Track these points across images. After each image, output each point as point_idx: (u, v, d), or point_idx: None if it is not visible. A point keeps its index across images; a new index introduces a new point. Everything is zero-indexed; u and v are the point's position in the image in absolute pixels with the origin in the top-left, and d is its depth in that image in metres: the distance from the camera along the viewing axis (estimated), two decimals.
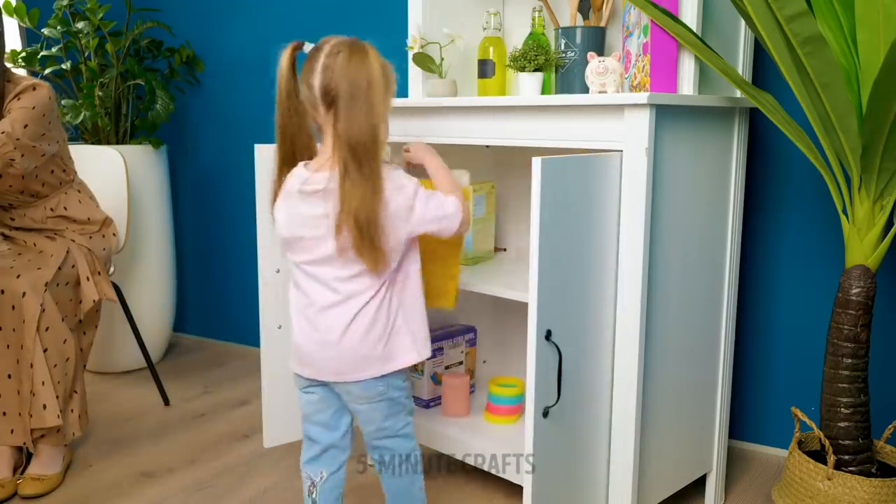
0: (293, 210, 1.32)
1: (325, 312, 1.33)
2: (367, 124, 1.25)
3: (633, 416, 1.47)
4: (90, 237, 2.08)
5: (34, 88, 1.89)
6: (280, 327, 1.76)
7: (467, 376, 1.93)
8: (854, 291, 1.47)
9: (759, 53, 1.77)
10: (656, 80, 1.46)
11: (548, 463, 1.39)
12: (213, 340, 3.13)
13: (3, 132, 1.81)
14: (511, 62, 1.74)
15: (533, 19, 1.85)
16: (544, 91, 1.82)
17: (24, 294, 1.83)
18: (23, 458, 1.95)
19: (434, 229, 1.34)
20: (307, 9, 2.63)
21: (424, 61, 1.83)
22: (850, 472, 1.50)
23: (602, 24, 1.74)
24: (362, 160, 1.24)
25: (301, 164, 1.34)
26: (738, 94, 1.61)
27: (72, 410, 1.93)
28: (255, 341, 2.94)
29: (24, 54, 2.67)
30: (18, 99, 1.87)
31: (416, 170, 1.48)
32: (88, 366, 2.61)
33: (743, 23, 1.63)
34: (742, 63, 1.66)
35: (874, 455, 1.57)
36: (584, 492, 1.48)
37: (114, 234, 2.18)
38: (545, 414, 1.35)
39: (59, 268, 1.92)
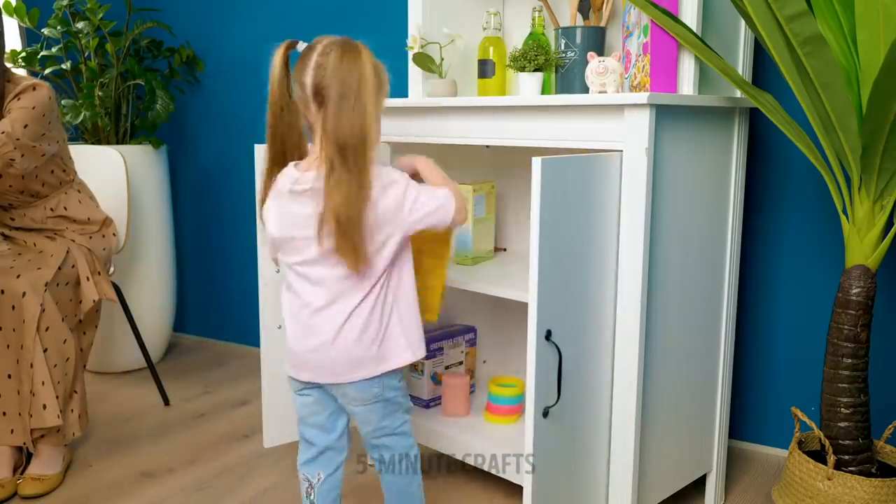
0: (283, 210, 1.32)
1: (319, 314, 1.33)
2: (357, 123, 1.24)
3: (633, 416, 1.47)
4: (90, 237, 2.08)
5: (34, 88, 1.89)
6: (280, 327, 1.76)
7: (467, 376, 1.93)
8: (854, 291, 1.47)
9: (759, 53, 1.77)
10: (656, 80, 1.46)
11: (548, 463, 1.39)
12: (213, 340, 3.13)
13: (3, 132, 1.81)
14: (511, 62, 1.74)
15: (533, 19, 1.85)
16: (544, 91, 1.82)
17: (24, 294, 1.83)
18: (23, 458, 1.95)
19: (430, 223, 1.33)
20: (307, 9, 2.63)
21: (424, 61, 1.83)
22: (850, 472, 1.50)
23: (602, 24, 1.74)
24: (349, 158, 1.24)
25: (291, 164, 1.34)
26: (738, 94, 1.61)
27: (72, 410, 1.93)
28: (255, 341, 2.94)
29: (24, 54, 2.67)
30: (18, 99, 1.87)
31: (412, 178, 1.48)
32: (88, 366, 2.61)
33: (743, 23, 1.63)
34: (742, 63, 1.66)
35: (874, 455, 1.57)
36: (584, 492, 1.48)
37: (114, 234, 2.18)
38: (545, 414, 1.35)
39: (59, 268, 1.92)
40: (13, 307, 1.83)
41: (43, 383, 1.83)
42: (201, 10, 2.88)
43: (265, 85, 1.34)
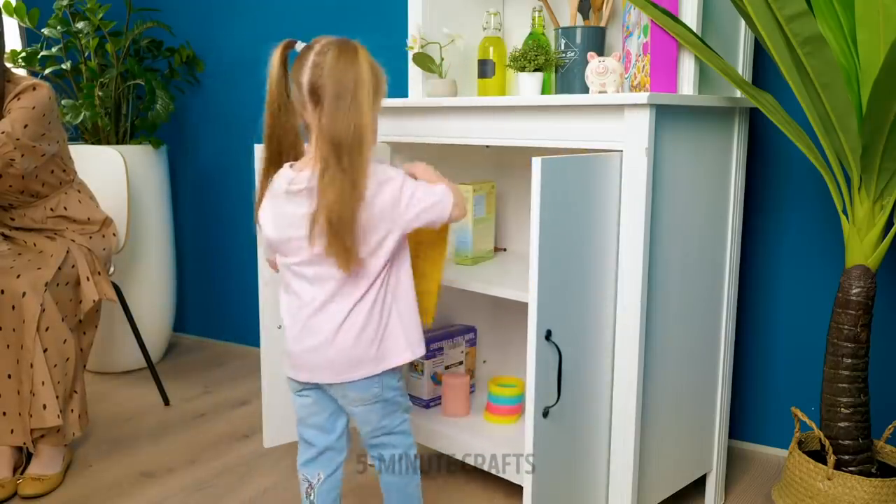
0: (279, 210, 1.32)
1: (318, 313, 1.32)
2: (352, 123, 1.24)
3: (633, 416, 1.47)
4: (90, 237, 2.08)
5: (34, 88, 1.89)
6: (280, 327, 1.76)
7: (467, 376, 1.93)
8: (854, 291, 1.47)
9: (759, 53, 1.77)
10: (656, 80, 1.46)
11: (548, 463, 1.39)
12: (213, 340, 3.13)
13: (3, 132, 1.81)
14: (511, 62, 1.74)
15: (533, 19, 1.85)
16: (544, 91, 1.82)
17: (24, 294, 1.83)
18: (23, 458, 1.95)
19: (429, 219, 1.33)
20: (307, 9, 2.63)
21: (424, 61, 1.83)
22: (850, 472, 1.50)
23: (602, 24, 1.74)
24: (343, 158, 1.23)
25: (286, 164, 1.33)
26: (738, 94, 1.61)
27: (72, 410, 1.93)
28: (255, 341, 2.94)
29: (24, 54, 2.67)
30: (18, 99, 1.87)
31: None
32: (88, 366, 2.61)
33: (743, 23, 1.63)
34: (742, 63, 1.66)
35: (874, 455, 1.57)
36: (584, 492, 1.48)
37: (114, 234, 2.18)
38: (545, 414, 1.35)
39: (59, 268, 1.92)
40: (13, 307, 1.83)
41: (43, 383, 1.83)
42: (201, 10, 2.88)
43: (265, 85, 1.34)
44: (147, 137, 2.74)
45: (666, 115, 1.42)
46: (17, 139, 1.83)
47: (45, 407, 1.83)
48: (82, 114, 2.52)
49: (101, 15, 2.57)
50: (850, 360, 1.48)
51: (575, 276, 1.38)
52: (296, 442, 1.52)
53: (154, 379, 2.46)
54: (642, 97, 1.35)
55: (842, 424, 1.50)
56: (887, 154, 1.35)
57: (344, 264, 1.26)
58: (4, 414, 1.85)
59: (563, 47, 1.72)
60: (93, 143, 2.68)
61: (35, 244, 2.01)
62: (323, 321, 1.32)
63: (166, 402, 2.45)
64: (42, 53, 2.66)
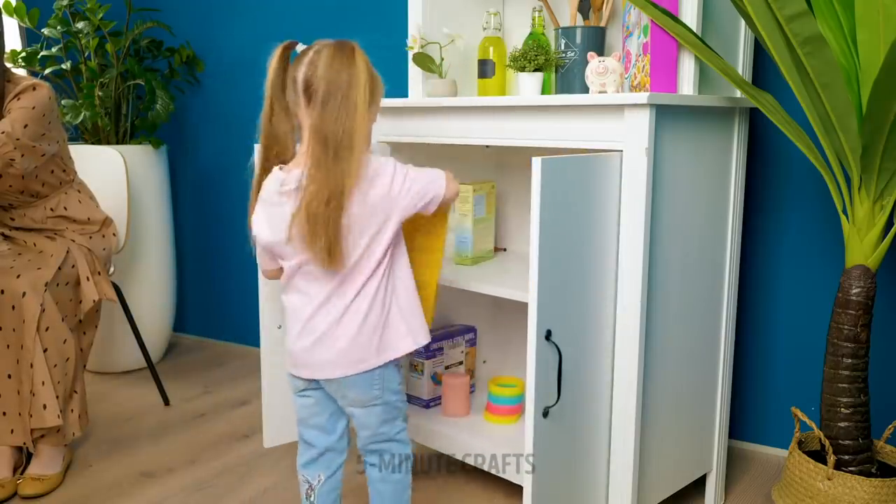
0: (273, 212, 1.32)
1: (319, 311, 1.32)
2: (343, 122, 1.24)
3: (633, 416, 1.47)
4: (90, 237, 2.08)
5: (34, 88, 1.89)
6: (280, 327, 1.76)
7: (467, 376, 1.93)
8: (854, 291, 1.47)
9: (759, 53, 1.77)
10: (656, 80, 1.46)
11: (548, 463, 1.39)
12: (213, 340, 3.13)
13: (3, 132, 1.81)
14: (511, 62, 1.74)
15: (533, 19, 1.85)
16: (544, 91, 1.82)
17: (24, 294, 1.83)
18: (23, 458, 1.95)
19: (427, 196, 1.33)
20: (307, 9, 2.63)
21: (424, 61, 1.83)
22: (850, 472, 1.50)
23: (602, 24, 1.74)
24: (329, 155, 1.23)
25: (276, 167, 1.33)
26: (738, 94, 1.61)
27: (72, 410, 1.93)
28: (255, 341, 2.94)
29: (24, 54, 2.67)
30: (18, 99, 1.87)
31: None
32: (88, 366, 2.61)
33: (743, 23, 1.63)
34: (742, 63, 1.66)
35: (874, 455, 1.57)
36: (584, 492, 1.48)
37: (114, 234, 2.18)
38: (545, 414, 1.35)
39: (59, 268, 1.92)
40: (13, 307, 1.83)
41: (43, 383, 1.83)
42: (201, 10, 2.88)
43: (264, 85, 1.34)
44: (147, 137, 2.74)
45: (666, 115, 1.42)
46: (17, 139, 1.83)
47: (45, 407, 1.83)
48: (82, 114, 2.52)
49: (101, 15, 2.57)
50: (850, 360, 1.48)
51: (575, 276, 1.38)
52: (296, 442, 1.52)
53: (154, 379, 2.46)
54: (642, 97, 1.35)
55: (842, 424, 1.50)
56: (887, 154, 1.35)
57: (326, 262, 1.26)
58: (4, 414, 1.85)
59: (563, 47, 1.72)
60: (93, 143, 2.68)
61: (35, 244, 2.01)
62: (324, 318, 1.32)
63: (166, 402, 2.45)
64: (42, 53, 2.66)
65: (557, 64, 1.74)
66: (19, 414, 1.85)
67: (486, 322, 2.17)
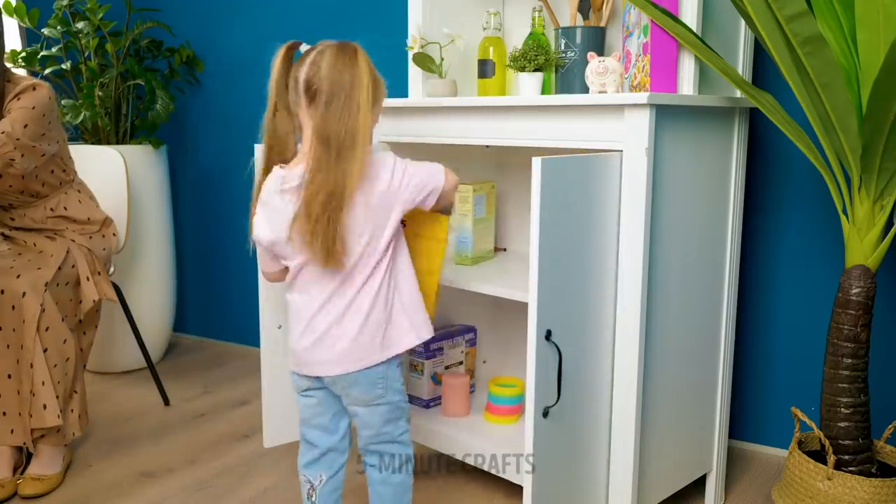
0: (274, 209, 1.32)
1: (322, 310, 1.33)
2: (347, 124, 1.24)
3: (633, 416, 1.47)
4: (90, 237, 2.08)
5: (34, 88, 1.89)
6: (280, 327, 1.76)
7: (467, 376, 1.93)
8: (854, 291, 1.47)
9: (759, 53, 1.77)
10: (656, 80, 1.46)
11: (548, 463, 1.39)
12: (213, 340, 3.13)
13: (3, 132, 1.81)
14: (511, 62, 1.74)
15: (533, 19, 1.85)
16: (544, 91, 1.82)
17: (24, 294, 1.83)
18: (23, 458, 1.95)
19: (424, 195, 1.34)
20: (307, 9, 2.63)
21: (424, 61, 1.83)
22: (850, 472, 1.50)
23: (602, 24, 1.74)
24: (333, 156, 1.24)
25: (277, 166, 1.34)
26: (738, 94, 1.61)
27: (72, 410, 1.93)
28: (255, 341, 2.94)
29: (24, 54, 2.67)
30: (18, 99, 1.87)
31: None
32: (88, 366, 2.61)
33: (743, 23, 1.63)
34: (742, 63, 1.66)
35: (874, 455, 1.57)
36: (584, 492, 1.48)
37: (114, 234, 2.18)
38: (545, 414, 1.35)
39: (59, 268, 1.92)
40: (13, 307, 1.83)
41: (43, 383, 1.83)
42: (201, 10, 2.88)
43: (265, 85, 1.34)
44: (147, 137, 2.74)
45: (666, 115, 1.42)
46: (17, 139, 1.83)
47: (45, 407, 1.83)
48: (82, 114, 2.52)
49: (101, 15, 2.57)
50: (850, 360, 1.48)
51: (575, 276, 1.38)
52: (296, 442, 1.52)
53: (154, 379, 2.46)
54: (642, 97, 1.35)
55: (842, 424, 1.50)
56: (887, 154, 1.35)
57: (324, 261, 1.26)
58: (4, 414, 1.85)
59: (563, 47, 1.72)
60: (93, 143, 2.68)
61: (35, 244, 2.01)
62: (325, 318, 1.32)
63: (166, 402, 2.45)
64: (42, 53, 2.66)
65: (557, 64, 1.74)
66: (19, 414, 1.85)
67: (486, 322, 2.17)
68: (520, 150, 2.02)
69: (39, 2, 3.04)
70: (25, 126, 1.85)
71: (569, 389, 1.40)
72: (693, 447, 1.70)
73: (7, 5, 2.58)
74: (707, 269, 1.65)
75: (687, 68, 1.48)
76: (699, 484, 1.81)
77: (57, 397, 1.85)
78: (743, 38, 1.65)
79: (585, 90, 1.62)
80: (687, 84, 1.49)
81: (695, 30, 1.46)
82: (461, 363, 2.04)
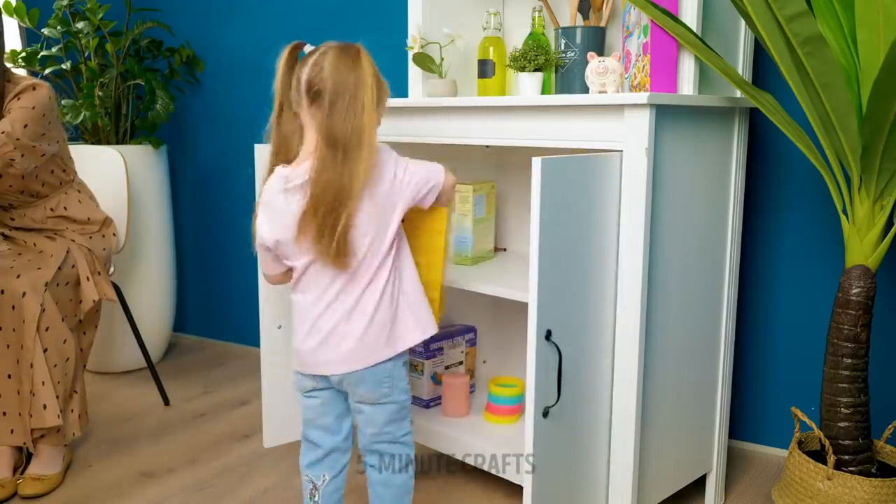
0: (277, 208, 1.32)
1: (330, 306, 1.33)
2: (353, 123, 1.25)
3: (633, 416, 1.47)
4: (90, 237, 2.08)
5: (34, 88, 1.89)
6: (280, 327, 1.76)
7: (467, 376, 1.93)
8: (854, 291, 1.47)
9: (759, 53, 1.77)
10: (656, 80, 1.46)
11: (548, 463, 1.39)
12: (213, 340, 3.13)
13: (2, 132, 1.81)
14: (511, 62, 1.74)
15: (533, 19, 1.85)
16: (544, 91, 1.82)
17: (24, 294, 1.83)
18: (23, 458, 1.95)
19: (424, 193, 1.36)
20: (307, 9, 2.63)
21: (424, 61, 1.83)
22: (850, 472, 1.50)
23: (602, 24, 1.74)
24: (339, 156, 1.24)
25: (279, 166, 1.34)
26: (738, 94, 1.61)
27: (72, 410, 1.93)
28: (255, 341, 2.94)
29: (24, 54, 2.67)
30: (18, 99, 1.87)
31: None
32: (88, 366, 2.61)
33: (743, 23, 1.63)
34: (742, 63, 1.66)
35: (874, 455, 1.57)
36: (584, 492, 1.48)
37: (114, 234, 2.18)
38: (545, 414, 1.35)
39: (59, 268, 1.92)
40: (13, 307, 1.83)
41: (43, 383, 1.83)
42: (201, 10, 2.88)
43: (266, 85, 1.35)
44: (147, 137, 2.74)
45: (666, 115, 1.42)
46: (17, 139, 1.83)
47: (45, 407, 1.83)
48: (82, 114, 2.52)
49: (101, 15, 2.57)
50: (850, 360, 1.48)
51: (575, 276, 1.38)
52: (296, 442, 1.52)
53: (154, 379, 2.46)
54: (642, 97, 1.35)
55: (842, 424, 1.50)
56: (887, 154, 1.35)
57: (333, 260, 1.27)
58: (4, 414, 1.85)
59: (563, 47, 1.72)
60: (93, 143, 2.68)
61: (35, 244, 2.01)
62: (331, 317, 1.33)
63: (166, 402, 2.45)
64: (42, 53, 2.66)
65: (557, 64, 1.74)
66: (19, 414, 1.85)
67: (486, 322, 2.17)
68: (520, 150, 2.02)
69: (39, 2, 3.04)
70: (25, 126, 1.85)
71: (569, 389, 1.40)
72: (693, 447, 1.70)
73: (7, 5, 2.58)
74: (707, 269, 1.65)
75: (687, 68, 1.48)
76: (699, 484, 1.81)
77: (57, 397, 1.85)
78: (743, 38, 1.65)
79: (585, 90, 1.62)
80: (687, 84, 1.49)
81: (695, 30, 1.46)
82: (461, 363, 2.04)
